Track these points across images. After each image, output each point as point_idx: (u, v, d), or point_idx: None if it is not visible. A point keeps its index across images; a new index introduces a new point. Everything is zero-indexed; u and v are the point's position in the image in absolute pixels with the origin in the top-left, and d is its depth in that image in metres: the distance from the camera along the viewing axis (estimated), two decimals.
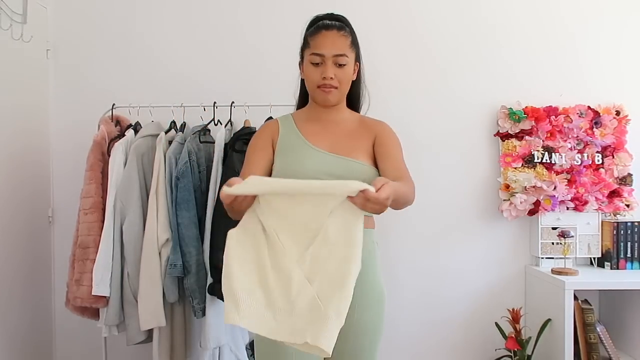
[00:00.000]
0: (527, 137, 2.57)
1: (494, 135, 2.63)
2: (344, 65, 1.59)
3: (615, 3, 2.65)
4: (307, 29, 1.65)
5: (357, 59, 1.67)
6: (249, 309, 1.24)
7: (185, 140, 2.20)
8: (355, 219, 1.28)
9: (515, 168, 2.57)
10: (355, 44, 1.64)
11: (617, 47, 2.65)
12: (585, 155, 2.56)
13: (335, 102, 1.65)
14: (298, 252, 1.29)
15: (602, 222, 2.57)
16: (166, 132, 2.27)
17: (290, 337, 1.22)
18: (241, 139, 2.21)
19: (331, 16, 1.65)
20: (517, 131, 2.58)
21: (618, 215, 2.56)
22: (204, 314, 2.14)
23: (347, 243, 1.27)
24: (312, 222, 1.30)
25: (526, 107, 2.57)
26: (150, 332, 2.19)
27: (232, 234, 1.32)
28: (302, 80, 1.70)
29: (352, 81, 1.67)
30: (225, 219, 2.06)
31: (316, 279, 1.26)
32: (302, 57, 1.66)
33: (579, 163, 2.55)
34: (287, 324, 1.23)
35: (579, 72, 2.64)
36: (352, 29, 1.65)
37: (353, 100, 1.74)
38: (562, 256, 2.48)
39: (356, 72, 1.67)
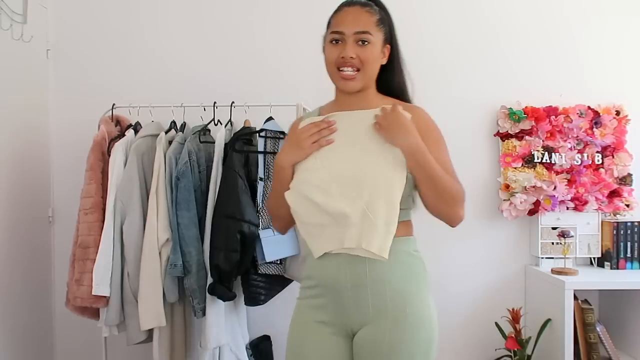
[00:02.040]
0: (527, 137, 2.58)
1: (494, 135, 2.63)
2: (367, 43, 1.42)
3: (616, 3, 2.65)
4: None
5: (390, 40, 1.49)
6: (324, 238, 1.43)
7: (185, 140, 2.20)
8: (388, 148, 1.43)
9: (515, 168, 2.57)
10: (384, 23, 1.47)
11: (617, 47, 2.65)
12: (585, 155, 2.56)
13: (359, 89, 1.46)
14: (347, 178, 1.41)
15: (602, 222, 2.57)
16: (166, 132, 2.27)
17: (353, 243, 1.38)
18: (241, 139, 2.21)
19: None
20: (517, 131, 2.58)
21: (618, 215, 2.56)
22: (204, 314, 2.14)
23: (390, 163, 1.42)
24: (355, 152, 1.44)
25: (526, 107, 2.57)
26: (150, 332, 2.19)
27: (288, 194, 1.47)
28: None
29: (385, 67, 1.50)
30: (226, 219, 2.08)
31: (365, 193, 1.38)
32: (324, 41, 1.50)
33: (579, 163, 2.55)
34: (350, 234, 1.38)
35: (579, 72, 2.64)
36: (384, 7, 1.51)
37: (394, 91, 1.54)
38: (562, 256, 2.48)
39: (387, 55, 1.49)
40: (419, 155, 1.39)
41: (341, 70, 1.44)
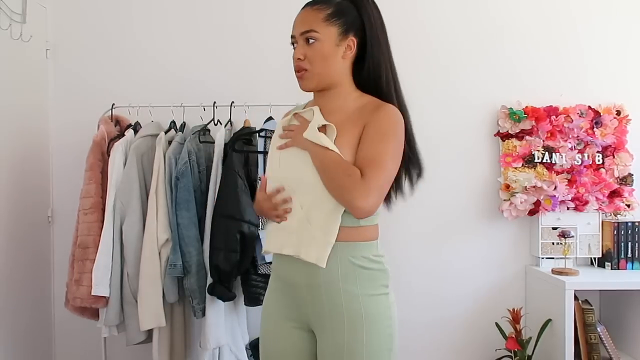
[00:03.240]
0: (527, 137, 2.57)
1: (494, 135, 2.63)
2: (314, 41, 1.43)
3: (617, 3, 2.65)
4: None
5: (348, 32, 1.45)
6: (271, 238, 1.50)
7: (185, 140, 2.19)
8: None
9: (516, 168, 2.57)
10: (339, 16, 1.44)
11: (617, 46, 2.65)
12: (585, 155, 2.55)
13: (314, 87, 1.47)
14: (293, 186, 1.46)
15: (602, 222, 2.57)
16: (166, 132, 2.27)
17: (292, 251, 1.44)
18: (241, 139, 2.21)
19: None
20: (517, 131, 2.58)
21: (618, 215, 2.55)
22: (203, 314, 2.14)
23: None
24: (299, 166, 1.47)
25: (526, 107, 2.57)
26: (150, 332, 2.18)
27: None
28: None
29: (358, 57, 1.48)
30: (225, 219, 2.08)
31: (305, 205, 1.43)
32: None
33: (580, 163, 2.55)
34: (291, 241, 1.44)
35: (579, 71, 2.64)
36: (340, 3, 1.46)
37: (368, 86, 1.51)
38: (563, 256, 2.48)
39: (352, 48, 1.46)
40: (307, 150, 1.43)
41: (296, 72, 1.48)
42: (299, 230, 1.42)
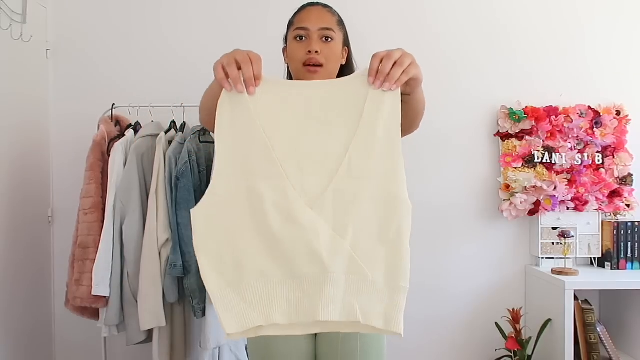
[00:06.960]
0: (527, 137, 2.57)
1: (494, 135, 2.63)
2: (331, 40, 1.46)
3: (616, 3, 2.65)
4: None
5: (346, 43, 1.54)
6: (254, 300, 0.84)
7: (185, 140, 2.19)
8: (392, 119, 0.90)
9: (516, 168, 2.57)
10: (342, 25, 1.52)
11: (617, 46, 2.65)
12: (585, 155, 2.56)
13: None
14: (315, 191, 0.89)
15: (602, 222, 2.57)
16: (166, 132, 2.27)
17: (327, 315, 0.83)
18: None
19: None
20: (517, 131, 2.58)
21: (618, 215, 2.56)
22: (204, 314, 2.14)
23: (387, 168, 0.86)
24: (330, 145, 0.93)
25: (526, 107, 2.57)
26: (150, 332, 2.18)
27: (197, 211, 0.91)
28: (288, 67, 1.58)
29: (343, 67, 1.54)
30: None
31: (349, 228, 0.86)
32: (286, 40, 1.56)
33: (579, 163, 2.55)
34: (318, 298, 0.83)
35: (579, 72, 2.64)
36: (339, 14, 1.55)
37: None
38: (562, 256, 2.48)
39: (345, 57, 1.55)
40: (421, 78, 1.15)
41: (307, 66, 1.45)
42: (345, 277, 0.87)
